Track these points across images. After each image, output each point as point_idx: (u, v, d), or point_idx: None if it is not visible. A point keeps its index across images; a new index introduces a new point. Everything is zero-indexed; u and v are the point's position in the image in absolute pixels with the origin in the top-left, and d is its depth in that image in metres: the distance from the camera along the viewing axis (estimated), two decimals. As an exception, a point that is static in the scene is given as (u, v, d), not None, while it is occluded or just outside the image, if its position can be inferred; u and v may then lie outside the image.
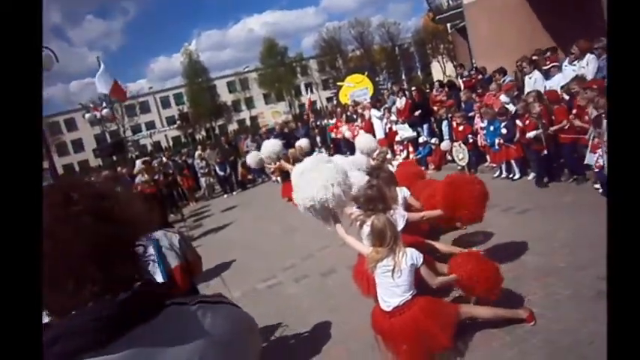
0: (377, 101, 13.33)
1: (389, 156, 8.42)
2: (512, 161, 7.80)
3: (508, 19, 12.36)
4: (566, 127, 6.48)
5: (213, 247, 8.29)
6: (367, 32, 58.34)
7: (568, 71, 7.76)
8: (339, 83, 16.73)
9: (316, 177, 3.21)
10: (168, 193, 12.11)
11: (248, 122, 57.22)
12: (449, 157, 9.74)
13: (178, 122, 54.76)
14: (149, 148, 41.80)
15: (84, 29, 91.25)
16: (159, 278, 2.76)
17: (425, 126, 10.80)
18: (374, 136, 9.35)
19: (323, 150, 13.74)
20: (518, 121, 7.29)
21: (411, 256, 3.08)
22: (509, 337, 3.31)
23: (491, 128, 7.89)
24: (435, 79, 24.73)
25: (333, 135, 13.94)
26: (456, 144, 9.11)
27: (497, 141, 7.76)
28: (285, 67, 57.11)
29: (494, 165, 8.34)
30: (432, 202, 4.16)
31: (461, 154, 8.98)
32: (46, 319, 0.76)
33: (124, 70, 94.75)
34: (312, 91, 36.79)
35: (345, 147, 12.61)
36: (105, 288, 0.77)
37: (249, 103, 61.46)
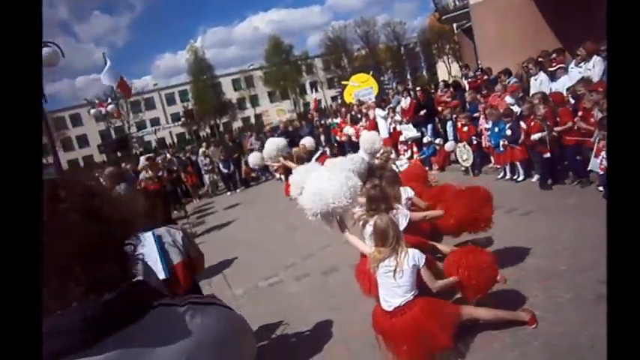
0: (382, 101, 13.30)
1: (393, 156, 8.41)
2: (517, 163, 7.77)
3: (515, 20, 12.31)
4: (571, 127, 6.45)
5: (216, 244, 8.31)
6: (373, 31, 58.34)
7: (574, 73, 7.73)
8: (343, 82, 16.70)
9: (324, 188, 3.24)
10: (171, 190, 12.14)
11: (252, 120, 57.27)
12: (453, 158, 9.73)
13: (183, 119, 54.88)
14: (153, 144, 41.99)
15: (90, 25, 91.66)
16: (161, 275, 2.77)
17: (429, 126, 10.77)
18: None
19: (327, 149, 13.73)
20: (522, 123, 7.26)
21: (413, 256, 3.09)
22: (510, 339, 3.30)
23: (496, 129, 7.87)
24: (440, 80, 24.69)
25: (337, 137, 13.89)
26: (460, 145, 9.08)
27: (501, 142, 7.73)
28: (290, 65, 57.07)
29: (498, 166, 8.31)
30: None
31: (465, 155, 8.96)
32: None
33: (130, 66, 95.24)
34: (317, 90, 36.82)
35: (349, 147, 12.59)
36: (90, 288, 0.76)
37: (254, 100, 61.50)
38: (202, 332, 0.83)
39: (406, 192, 4.28)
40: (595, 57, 7.36)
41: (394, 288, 3.11)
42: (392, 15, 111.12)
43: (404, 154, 10.84)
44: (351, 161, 4.61)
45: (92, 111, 20.73)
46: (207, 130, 54.75)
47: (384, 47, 58.87)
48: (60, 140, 47.10)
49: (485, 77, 10.99)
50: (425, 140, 10.50)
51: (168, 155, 15.74)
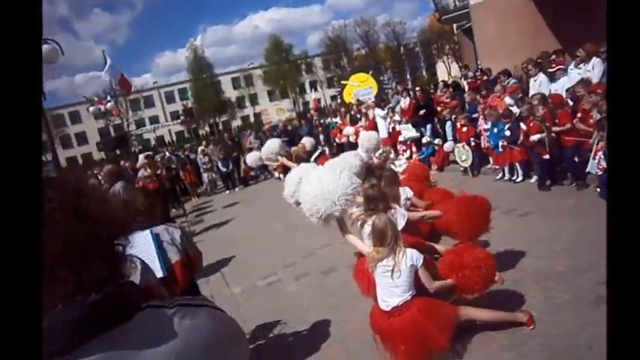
0: (381, 100, 13.30)
1: (392, 155, 8.41)
2: (516, 163, 7.78)
3: (515, 21, 12.32)
4: (570, 129, 6.46)
5: (214, 242, 8.30)
6: (373, 31, 58.27)
7: (574, 74, 7.74)
8: (343, 82, 16.70)
9: (320, 190, 3.24)
10: (170, 188, 12.13)
11: (252, 119, 57.27)
12: (452, 158, 9.73)
13: (182, 117, 54.78)
14: (152, 142, 41.91)
15: (91, 22, 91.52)
16: (159, 273, 2.77)
17: (428, 126, 10.78)
18: (377, 135, 9.32)
19: (326, 149, 13.73)
20: (522, 124, 7.27)
21: (411, 256, 3.09)
22: (508, 339, 3.30)
23: (495, 130, 7.87)
24: (439, 80, 24.69)
25: (337, 140, 13.87)
26: (459, 145, 9.09)
27: (500, 143, 7.74)
28: (290, 64, 57.04)
29: (497, 167, 8.31)
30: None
31: (464, 156, 8.96)
32: None
33: (130, 64, 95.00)
34: (316, 90, 36.81)
35: (349, 147, 12.58)
36: (76, 289, 0.74)
37: (254, 99, 61.46)
38: (192, 334, 0.81)
39: (405, 192, 4.28)
40: (594, 58, 7.37)
41: (392, 288, 3.11)
42: (392, 15, 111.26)
43: (403, 154, 10.84)
44: (347, 159, 4.60)
45: (91, 108, 20.74)
46: (207, 128, 54.71)
47: (383, 47, 58.85)
48: (59, 138, 47.02)
49: (485, 78, 11.00)
50: (424, 140, 10.50)
51: (167, 153, 15.73)
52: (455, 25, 22.13)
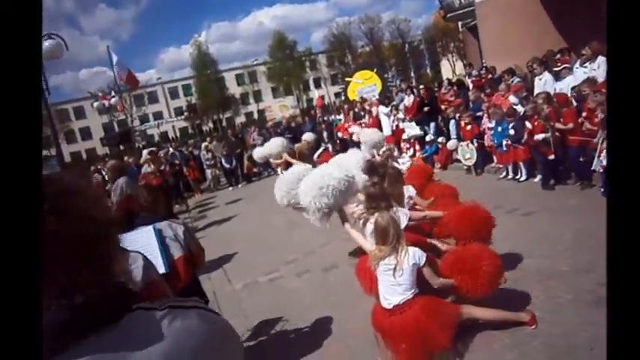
0: (385, 98, 13.27)
1: (395, 153, 8.40)
2: (520, 162, 7.75)
3: (520, 19, 12.23)
4: (574, 128, 6.42)
5: (217, 239, 8.32)
6: (377, 28, 58.19)
7: (579, 73, 7.69)
8: (347, 79, 16.66)
9: (305, 187, 3.27)
10: (173, 184, 12.15)
11: (255, 115, 57.23)
12: (455, 157, 9.70)
13: (186, 113, 54.88)
14: (156, 138, 41.93)
15: (95, 18, 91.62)
16: (161, 269, 2.77)
17: (432, 124, 10.75)
18: (381, 133, 9.30)
19: (329, 145, 13.71)
20: (527, 123, 7.24)
21: (413, 255, 3.08)
22: (510, 339, 3.30)
23: (499, 129, 7.84)
24: (444, 78, 24.61)
25: (340, 135, 13.85)
26: (463, 143, 9.06)
27: (504, 142, 7.71)
28: (294, 61, 56.99)
29: (501, 166, 8.29)
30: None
31: (468, 154, 8.94)
32: None
33: (134, 59, 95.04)
34: (320, 87, 36.74)
35: (352, 145, 12.56)
36: (65, 291, 0.73)
37: (257, 96, 61.43)
38: (182, 336, 0.80)
39: (408, 190, 4.27)
40: (600, 57, 7.32)
41: (394, 286, 3.10)
42: (397, 12, 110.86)
43: (406, 152, 10.83)
44: (347, 159, 4.60)
45: (95, 104, 20.83)
46: (210, 124, 54.78)
47: (388, 44, 58.72)
48: (63, 132, 47.22)
49: (490, 76, 10.96)
50: (427, 138, 10.48)
51: (170, 149, 15.77)
52: (460, 23, 22.00)
